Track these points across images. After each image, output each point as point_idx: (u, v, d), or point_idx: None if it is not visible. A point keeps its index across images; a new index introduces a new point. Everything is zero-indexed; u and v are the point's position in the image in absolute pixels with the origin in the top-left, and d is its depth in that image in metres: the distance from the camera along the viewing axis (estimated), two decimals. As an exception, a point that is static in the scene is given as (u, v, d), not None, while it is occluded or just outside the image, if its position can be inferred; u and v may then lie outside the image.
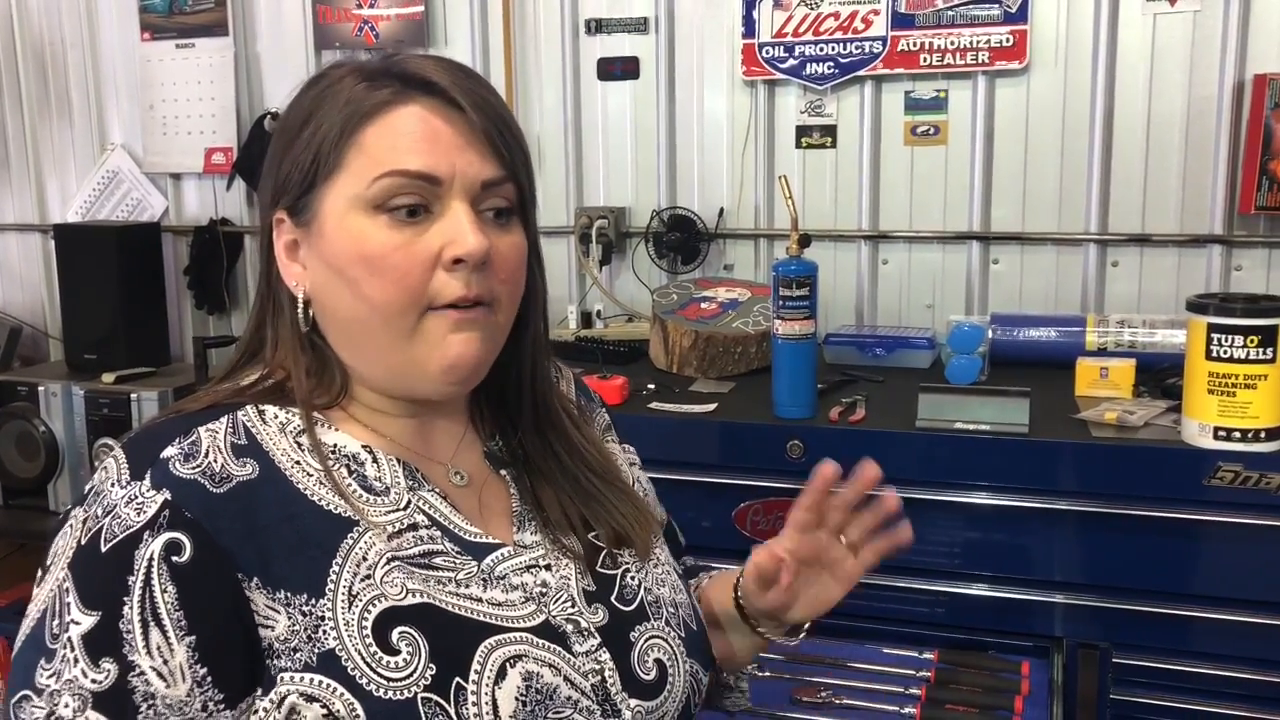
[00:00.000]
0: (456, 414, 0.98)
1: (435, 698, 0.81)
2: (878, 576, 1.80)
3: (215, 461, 0.84)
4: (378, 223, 0.86)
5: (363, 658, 0.81)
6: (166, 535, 0.79)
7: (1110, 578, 1.76)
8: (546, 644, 0.88)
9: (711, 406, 2.02)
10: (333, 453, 0.89)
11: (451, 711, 0.81)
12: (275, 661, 0.80)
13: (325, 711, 0.79)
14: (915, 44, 2.41)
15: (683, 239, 2.61)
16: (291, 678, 0.80)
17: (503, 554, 0.92)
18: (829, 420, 1.90)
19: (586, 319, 2.69)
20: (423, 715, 0.80)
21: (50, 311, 3.26)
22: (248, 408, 0.89)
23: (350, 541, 0.85)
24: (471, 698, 0.82)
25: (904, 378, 2.15)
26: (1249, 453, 1.67)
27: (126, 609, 0.77)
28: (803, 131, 2.56)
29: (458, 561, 0.88)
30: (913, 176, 2.50)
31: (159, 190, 3.12)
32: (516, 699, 0.84)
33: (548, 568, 0.93)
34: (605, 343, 2.51)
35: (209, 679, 0.78)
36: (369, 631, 0.81)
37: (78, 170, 3.22)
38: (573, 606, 0.92)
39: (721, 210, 2.63)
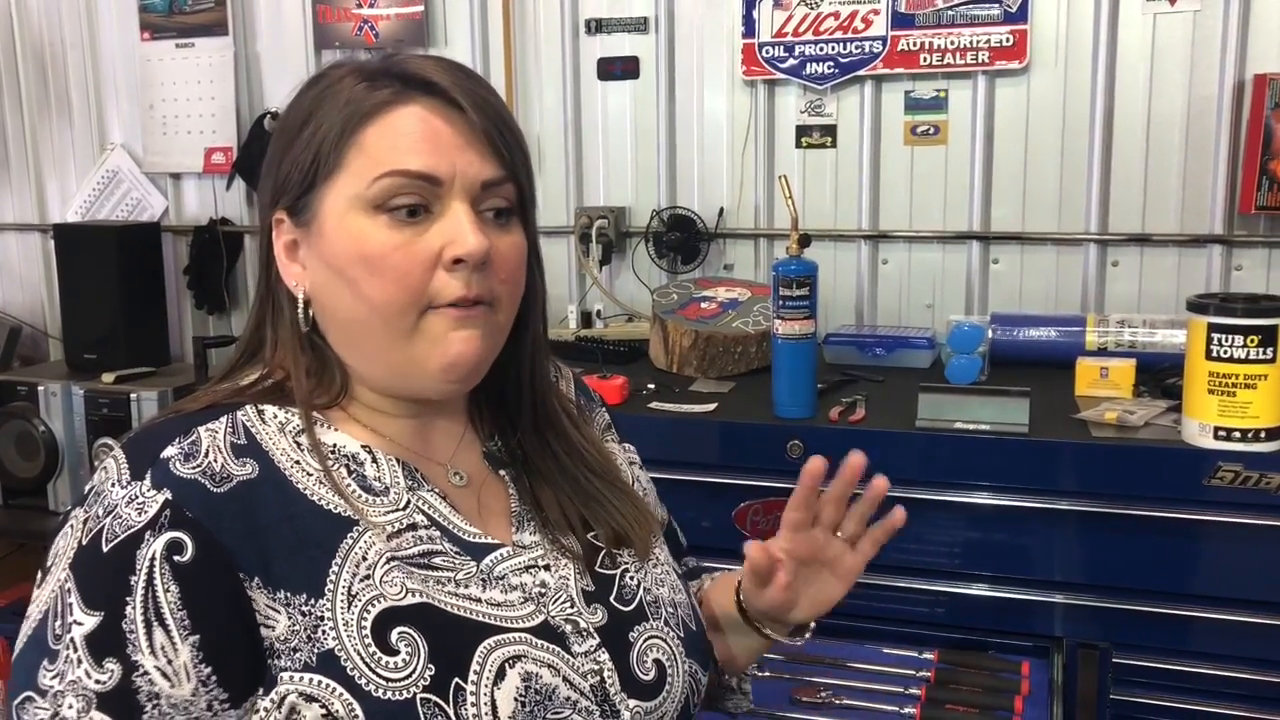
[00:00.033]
0: (456, 414, 0.98)
1: (434, 698, 0.81)
2: (878, 576, 1.81)
3: (215, 461, 0.84)
4: (378, 223, 0.86)
5: (362, 658, 0.81)
6: (168, 535, 0.79)
7: (1110, 578, 1.76)
8: (545, 644, 0.88)
9: (711, 406, 2.02)
10: (332, 453, 0.89)
11: (450, 712, 0.81)
12: (276, 661, 0.80)
13: (324, 712, 0.79)
14: (915, 44, 2.41)
15: (683, 239, 2.61)
16: (290, 677, 0.80)
17: (502, 554, 0.92)
18: (829, 420, 1.90)
19: (586, 319, 2.69)
20: (421, 716, 0.80)
21: (50, 311, 3.26)
22: (247, 408, 0.89)
23: (350, 542, 0.85)
24: (470, 698, 0.82)
25: (904, 378, 2.15)
26: (1249, 453, 1.67)
27: (129, 609, 0.77)
28: (803, 131, 2.56)
29: (457, 562, 0.88)
30: (913, 176, 2.50)
31: (159, 190, 3.12)
32: (515, 699, 0.84)
33: (547, 568, 0.93)
34: (605, 342, 2.51)
35: (214, 678, 0.78)
36: (368, 632, 0.81)
37: (77, 170, 3.22)
38: (571, 607, 0.92)
39: (721, 210, 2.63)
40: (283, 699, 0.79)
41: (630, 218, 2.72)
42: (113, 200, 3.16)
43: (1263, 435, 1.67)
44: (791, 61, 2.51)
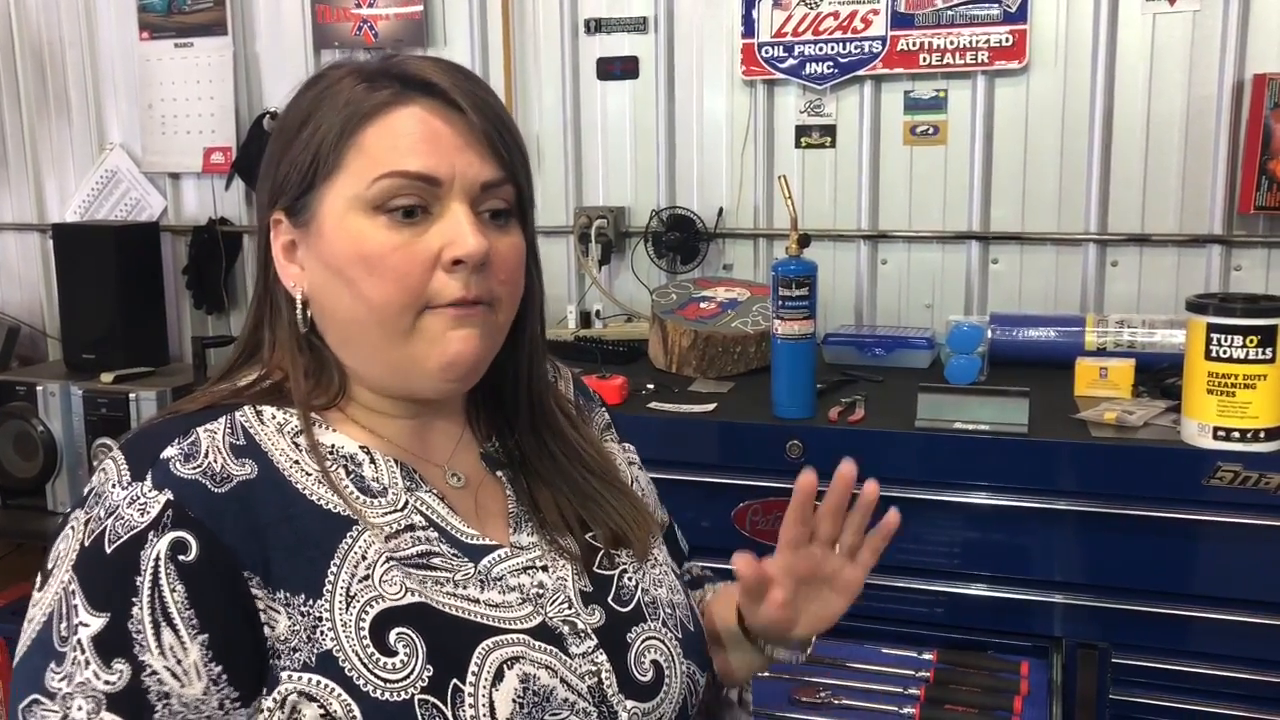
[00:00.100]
0: (454, 415, 0.98)
1: (432, 699, 0.81)
2: (877, 576, 1.79)
3: (215, 462, 0.84)
4: (377, 223, 0.86)
5: (360, 659, 0.80)
6: (171, 535, 0.79)
7: (1109, 578, 1.76)
8: (543, 645, 0.88)
9: (711, 406, 2.02)
10: (330, 453, 0.89)
11: (448, 713, 0.81)
12: (277, 661, 0.80)
13: (323, 712, 0.79)
14: (915, 44, 2.41)
15: (682, 239, 2.61)
16: (291, 677, 0.80)
17: (499, 555, 0.92)
18: (828, 420, 1.89)
19: (586, 319, 2.69)
20: (419, 717, 0.80)
21: (49, 311, 3.26)
22: (245, 408, 0.89)
23: (348, 542, 0.85)
24: (469, 699, 0.82)
25: (903, 378, 2.15)
26: (1248, 453, 1.67)
27: (135, 609, 0.77)
28: (802, 131, 2.56)
29: (455, 563, 0.88)
30: (912, 176, 2.50)
31: (158, 190, 3.12)
32: (513, 701, 0.84)
33: (544, 569, 0.93)
34: (604, 342, 2.51)
35: (224, 677, 0.79)
36: (366, 632, 0.81)
37: (76, 170, 3.21)
38: (569, 608, 0.92)
39: (721, 210, 2.63)
40: (284, 699, 0.79)
41: (629, 218, 2.71)
42: (111, 200, 3.16)
43: (1262, 435, 1.67)
44: (791, 61, 2.51)
